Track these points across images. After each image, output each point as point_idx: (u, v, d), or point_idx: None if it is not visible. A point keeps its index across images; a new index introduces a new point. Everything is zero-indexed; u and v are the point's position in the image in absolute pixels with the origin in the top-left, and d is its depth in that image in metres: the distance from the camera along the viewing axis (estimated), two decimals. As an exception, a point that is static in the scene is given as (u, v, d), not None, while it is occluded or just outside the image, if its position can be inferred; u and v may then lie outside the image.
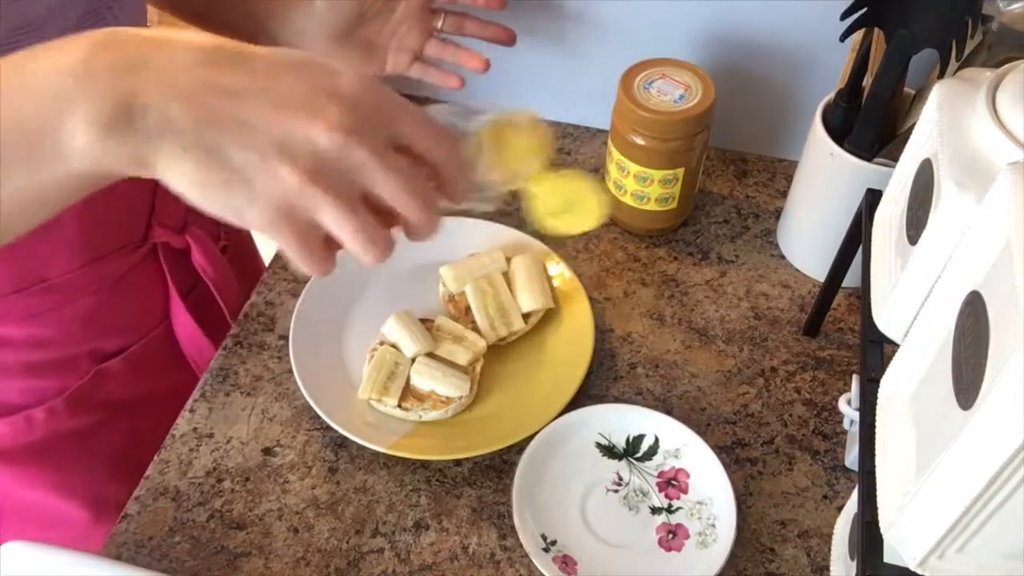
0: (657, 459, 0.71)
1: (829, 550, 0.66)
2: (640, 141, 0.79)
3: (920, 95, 0.72)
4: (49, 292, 0.70)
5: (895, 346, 0.54)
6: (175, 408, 0.75)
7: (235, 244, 0.91)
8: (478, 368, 0.75)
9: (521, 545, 0.65)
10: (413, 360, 0.74)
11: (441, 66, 0.81)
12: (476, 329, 0.77)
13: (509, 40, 0.80)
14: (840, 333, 0.80)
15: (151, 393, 0.82)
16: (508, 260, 0.81)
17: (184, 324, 0.82)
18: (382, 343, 0.76)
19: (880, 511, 0.47)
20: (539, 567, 0.64)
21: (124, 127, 0.38)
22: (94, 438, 0.79)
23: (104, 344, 0.77)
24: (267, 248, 1.01)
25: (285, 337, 0.79)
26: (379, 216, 0.42)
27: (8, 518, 0.80)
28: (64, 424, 0.76)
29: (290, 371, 0.75)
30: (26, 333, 0.71)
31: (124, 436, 0.81)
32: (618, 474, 0.71)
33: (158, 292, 0.81)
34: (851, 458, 0.71)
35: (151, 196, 0.76)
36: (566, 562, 0.65)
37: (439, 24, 0.79)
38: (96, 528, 0.82)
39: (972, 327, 0.41)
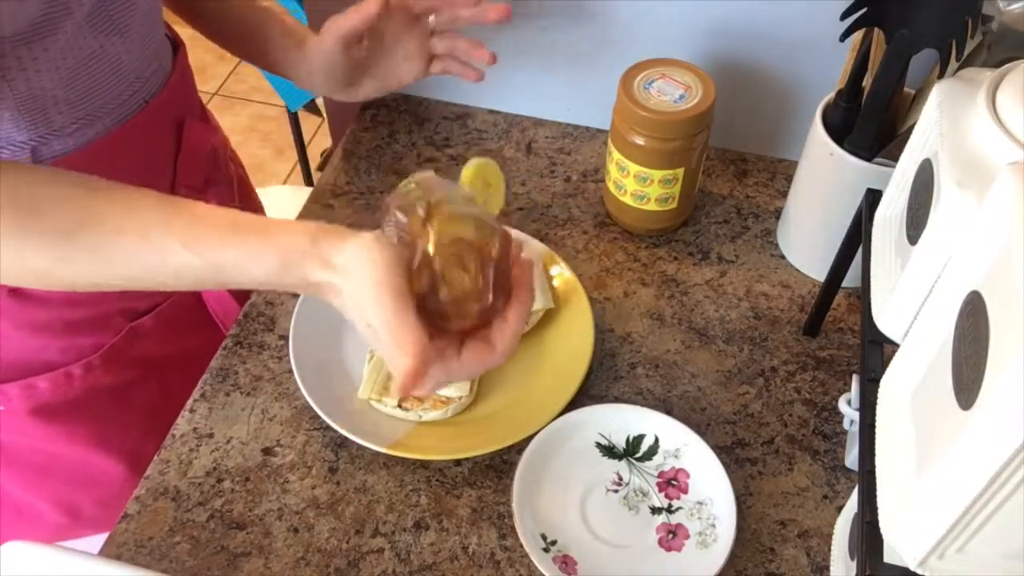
0: (657, 459, 0.71)
1: (829, 550, 0.66)
2: (640, 141, 0.79)
3: (920, 95, 0.72)
4: None
5: (895, 346, 0.54)
6: (205, 366, 0.78)
7: (247, 207, 0.94)
8: (478, 368, 0.75)
9: (521, 545, 0.65)
10: (413, 360, 0.74)
11: (458, 56, 0.82)
12: (476, 329, 0.77)
13: (504, 15, 0.79)
14: (840, 333, 0.80)
15: (181, 351, 0.85)
16: (508, 260, 0.81)
17: None
18: (382, 343, 0.75)
19: (880, 511, 0.47)
20: (539, 567, 0.64)
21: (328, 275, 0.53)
22: (130, 394, 0.82)
23: (135, 303, 0.80)
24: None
25: (285, 337, 0.79)
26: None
27: (44, 476, 0.83)
28: (101, 380, 0.79)
29: (290, 371, 0.75)
30: (63, 293, 0.73)
31: (157, 393, 0.84)
32: (618, 474, 0.71)
33: None
34: (851, 458, 0.71)
35: (174, 158, 0.78)
36: (566, 562, 0.65)
37: (432, 23, 0.79)
38: (130, 483, 0.84)
39: (972, 327, 0.41)
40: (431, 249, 0.52)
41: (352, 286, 0.52)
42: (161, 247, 0.54)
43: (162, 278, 0.55)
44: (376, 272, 0.51)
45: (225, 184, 0.87)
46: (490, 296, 0.53)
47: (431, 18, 0.79)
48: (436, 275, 0.52)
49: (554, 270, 0.82)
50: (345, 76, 0.80)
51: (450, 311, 0.53)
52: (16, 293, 0.72)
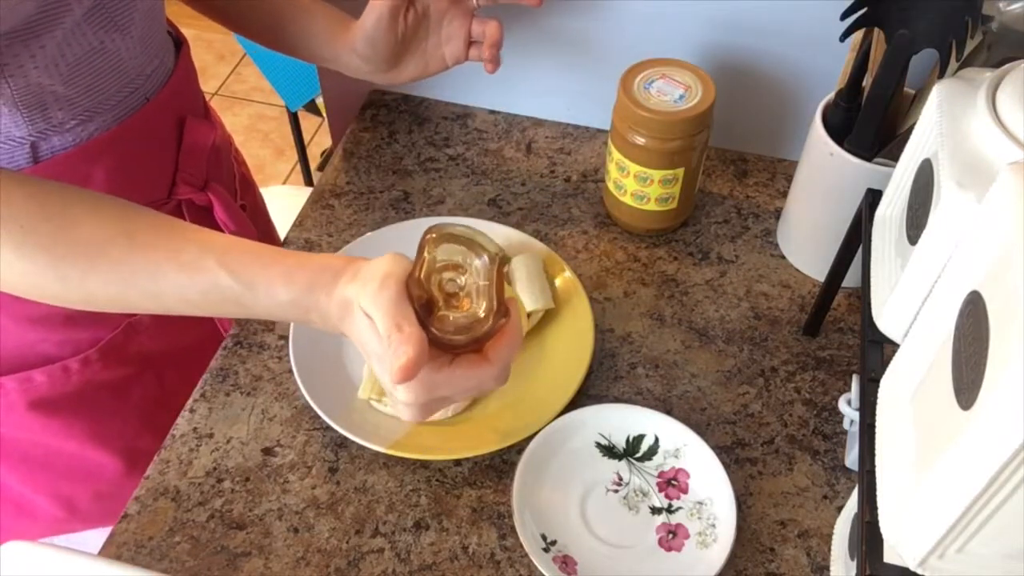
0: (657, 459, 0.71)
1: (829, 550, 0.66)
2: (640, 141, 0.79)
3: (920, 95, 0.72)
4: None
5: (895, 346, 0.54)
6: (201, 364, 0.78)
7: (251, 205, 0.94)
8: (478, 368, 0.75)
9: (521, 545, 0.65)
10: (413, 360, 0.74)
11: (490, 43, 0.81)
12: (476, 329, 0.77)
13: (538, 1, 0.79)
14: (840, 333, 0.80)
15: (179, 348, 0.85)
16: (508, 260, 0.81)
17: None
18: (382, 343, 0.76)
19: (880, 511, 0.47)
20: (539, 567, 0.64)
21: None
22: (127, 390, 0.82)
23: None
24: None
25: (285, 337, 0.79)
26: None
27: (41, 470, 0.83)
28: (98, 375, 0.79)
29: (290, 371, 0.75)
30: None
31: (155, 389, 0.84)
32: (618, 474, 0.71)
33: None
34: (851, 458, 0.71)
35: (175, 155, 0.78)
36: (566, 562, 0.65)
37: (475, 3, 0.79)
38: (127, 479, 0.84)
39: (972, 327, 0.41)
40: (426, 268, 0.53)
41: (361, 283, 0.53)
42: (193, 264, 0.55)
43: (188, 295, 0.56)
44: (385, 266, 0.53)
45: (226, 182, 0.87)
46: (486, 319, 0.54)
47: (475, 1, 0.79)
48: (432, 294, 0.54)
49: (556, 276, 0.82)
50: (388, 54, 0.78)
51: (442, 334, 0.54)
52: None
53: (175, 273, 0.55)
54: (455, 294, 0.54)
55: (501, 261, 0.54)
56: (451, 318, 0.54)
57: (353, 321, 0.55)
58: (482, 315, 0.54)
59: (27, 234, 0.54)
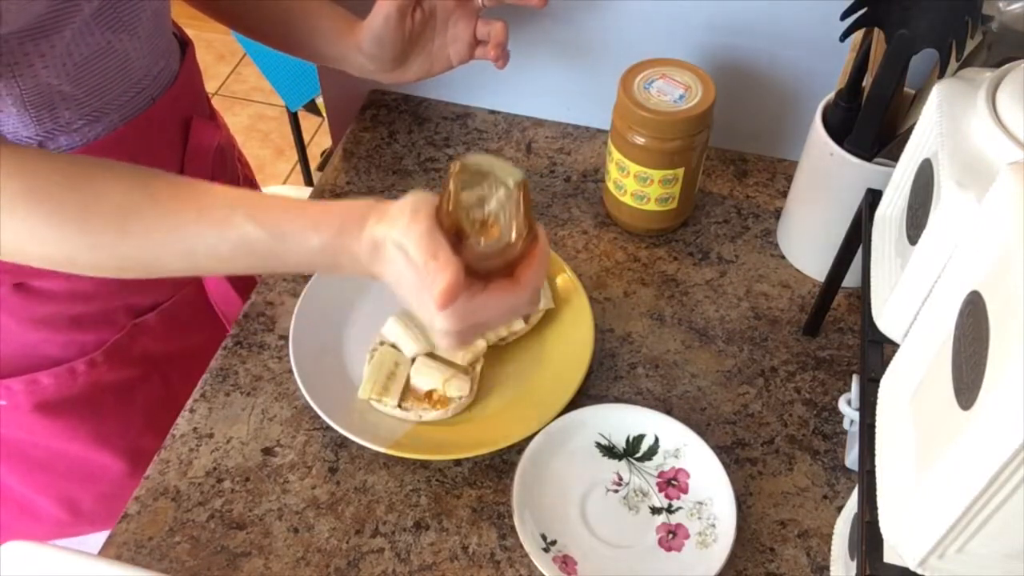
0: (657, 459, 0.71)
1: (829, 550, 0.66)
2: (640, 141, 0.79)
3: (920, 95, 0.72)
4: None
5: (895, 346, 0.54)
6: (207, 365, 0.78)
7: None
8: (478, 368, 0.75)
9: (521, 545, 0.65)
10: (413, 360, 0.74)
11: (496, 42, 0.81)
12: (476, 329, 0.77)
13: (542, 3, 0.79)
14: (840, 333, 0.80)
15: (184, 349, 0.85)
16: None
17: (215, 280, 0.85)
18: (382, 343, 0.76)
19: (880, 511, 0.47)
20: (539, 567, 0.64)
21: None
22: (132, 391, 0.83)
23: (138, 299, 0.80)
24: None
25: (285, 337, 0.79)
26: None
27: (45, 472, 0.83)
28: (104, 377, 0.79)
29: (290, 371, 0.75)
30: (67, 287, 0.74)
31: (160, 391, 0.84)
32: (618, 474, 0.71)
33: None
34: (851, 458, 0.71)
35: (180, 156, 0.79)
36: (566, 562, 0.65)
37: (480, 3, 0.79)
38: (131, 480, 0.84)
39: (972, 327, 0.41)
40: (452, 200, 0.54)
41: (391, 220, 0.54)
42: (223, 220, 0.56)
43: (219, 251, 0.56)
44: (412, 202, 0.54)
45: (231, 183, 0.87)
46: (516, 244, 0.55)
47: (480, 1, 0.79)
48: (460, 225, 0.54)
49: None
50: (394, 53, 0.78)
51: (475, 258, 0.55)
52: (20, 287, 0.72)
53: (206, 230, 0.56)
54: (484, 222, 0.55)
55: (524, 186, 0.54)
56: (481, 245, 0.55)
57: (386, 259, 0.55)
58: (511, 240, 0.55)
59: (56, 205, 0.54)
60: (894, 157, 0.66)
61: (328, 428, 0.73)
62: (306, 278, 0.81)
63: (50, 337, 0.75)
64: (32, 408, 0.77)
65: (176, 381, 0.84)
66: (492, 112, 1.00)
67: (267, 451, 0.73)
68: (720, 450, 0.71)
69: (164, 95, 0.74)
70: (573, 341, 0.77)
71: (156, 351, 0.83)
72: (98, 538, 0.70)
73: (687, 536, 0.67)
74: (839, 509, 0.69)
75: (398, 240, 0.53)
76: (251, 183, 0.95)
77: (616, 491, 0.70)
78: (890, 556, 0.47)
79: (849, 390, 0.71)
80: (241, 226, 0.55)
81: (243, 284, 0.86)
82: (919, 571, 0.43)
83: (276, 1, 0.80)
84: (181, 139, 0.78)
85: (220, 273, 0.58)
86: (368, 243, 0.55)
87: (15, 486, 0.84)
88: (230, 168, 0.88)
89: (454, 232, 0.54)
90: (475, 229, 0.55)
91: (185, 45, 0.79)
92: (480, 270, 0.55)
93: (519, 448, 0.70)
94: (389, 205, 0.55)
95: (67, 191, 0.55)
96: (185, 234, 0.56)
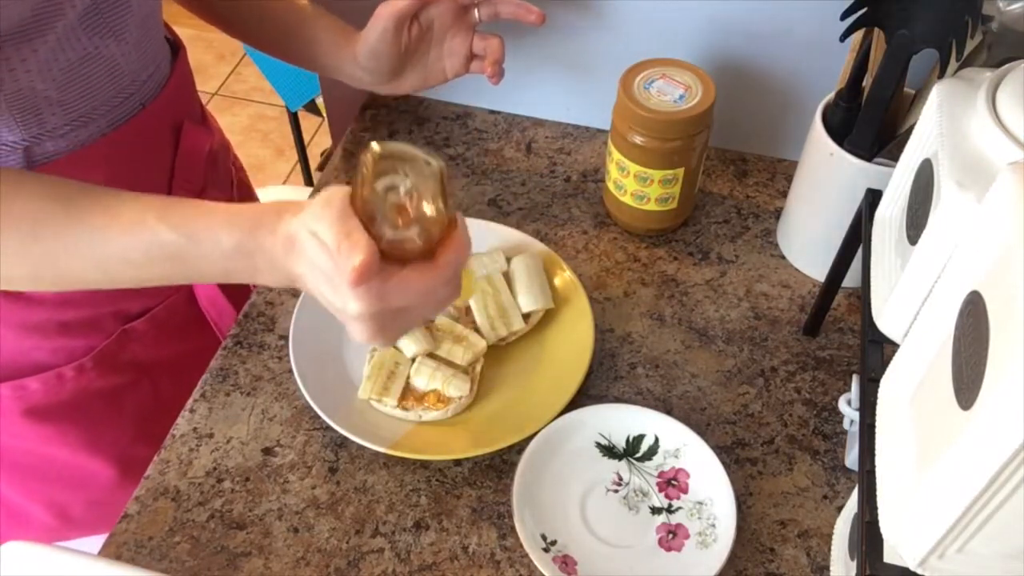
0: (657, 459, 0.71)
1: (829, 550, 0.66)
2: (640, 141, 0.79)
3: (920, 95, 0.72)
4: None
5: (895, 346, 0.54)
6: (197, 372, 0.78)
7: None
8: (478, 368, 0.75)
9: (521, 545, 0.65)
10: (413, 360, 0.74)
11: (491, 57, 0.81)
12: (476, 329, 0.77)
13: (542, 20, 0.80)
14: (840, 333, 0.80)
15: (175, 356, 0.85)
16: (508, 260, 0.81)
17: (205, 286, 0.85)
18: (382, 343, 0.75)
19: (880, 511, 0.47)
20: (539, 567, 0.64)
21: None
22: (122, 398, 0.82)
23: (128, 305, 0.80)
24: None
25: (285, 337, 0.79)
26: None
27: (35, 478, 0.83)
28: (93, 383, 0.79)
29: (290, 371, 0.75)
30: (57, 293, 0.73)
31: (150, 397, 0.84)
32: (618, 474, 0.71)
33: None
34: (851, 458, 0.71)
35: (171, 161, 0.78)
36: (566, 562, 0.65)
37: (477, 18, 0.79)
38: (121, 487, 0.84)
39: (972, 327, 0.41)
40: (367, 187, 0.52)
41: (305, 212, 0.53)
42: (134, 222, 0.54)
43: (130, 256, 0.55)
44: (326, 193, 0.52)
45: (223, 187, 0.87)
46: (431, 228, 0.53)
47: (476, 12, 0.79)
48: (376, 210, 0.53)
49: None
50: (391, 66, 0.79)
51: (390, 243, 0.53)
52: (8, 293, 0.71)
53: (117, 235, 0.54)
54: (400, 207, 0.53)
55: (442, 172, 0.53)
56: (397, 230, 0.53)
57: (300, 251, 0.53)
58: (427, 225, 0.53)
59: None
60: (894, 157, 0.66)
61: (328, 428, 0.73)
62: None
63: (39, 343, 0.75)
64: (21, 414, 0.77)
65: (166, 388, 0.84)
66: (492, 112, 1.00)
67: (267, 451, 0.73)
68: (720, 450, 0.71)
69: (154, 100, 0.73)
70: (573, 341, 0.77)
71: (146, 358, 0.82)
72: (98, 538, 0.70)
73: (687, 536, 0.67)
74: (839, 509, 0.69)
75: (311, 227, 0.52)
76: (245, 186, 0.95)
77: (616, 491, 0.70)
78: (890, 556, 0.47)
79: (849, 390, 0.71)
80: (153, 227, 0.54)
81: (234, 291, 0.85)
82: (919, 571, 0.43)
83: (273, 10, 0.80)
84: (172, 144, 0.78)
85: (135, 285, 0.57)
86: (283, 238, 0.53)
87: (4, 491, 0.83)
88: (223, 172, 0.87)
89: (369, 217, 0.53)
90: (391, 214, 0.53)
91: (177, 49, 0.79)
92: (396, 255, 0.53)
93: (519, 448, 0.70)
94: (306, 202, 0.54)
95: None
96: (95, 239, 0.54)
